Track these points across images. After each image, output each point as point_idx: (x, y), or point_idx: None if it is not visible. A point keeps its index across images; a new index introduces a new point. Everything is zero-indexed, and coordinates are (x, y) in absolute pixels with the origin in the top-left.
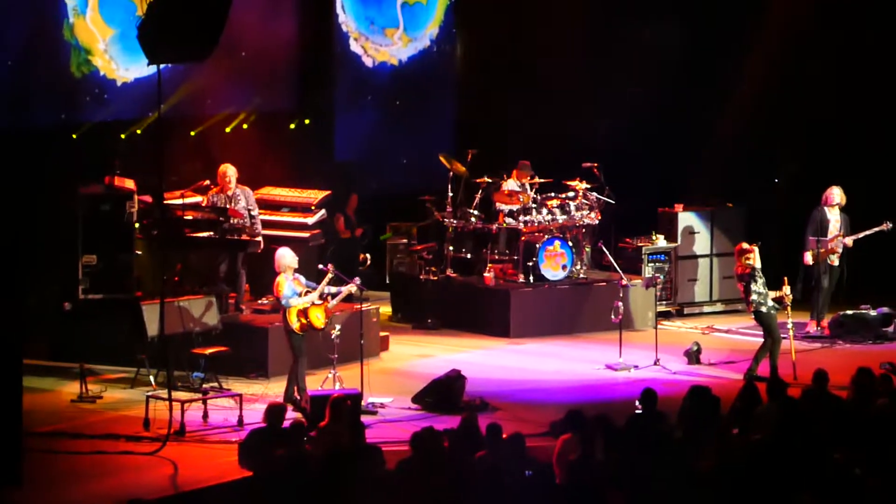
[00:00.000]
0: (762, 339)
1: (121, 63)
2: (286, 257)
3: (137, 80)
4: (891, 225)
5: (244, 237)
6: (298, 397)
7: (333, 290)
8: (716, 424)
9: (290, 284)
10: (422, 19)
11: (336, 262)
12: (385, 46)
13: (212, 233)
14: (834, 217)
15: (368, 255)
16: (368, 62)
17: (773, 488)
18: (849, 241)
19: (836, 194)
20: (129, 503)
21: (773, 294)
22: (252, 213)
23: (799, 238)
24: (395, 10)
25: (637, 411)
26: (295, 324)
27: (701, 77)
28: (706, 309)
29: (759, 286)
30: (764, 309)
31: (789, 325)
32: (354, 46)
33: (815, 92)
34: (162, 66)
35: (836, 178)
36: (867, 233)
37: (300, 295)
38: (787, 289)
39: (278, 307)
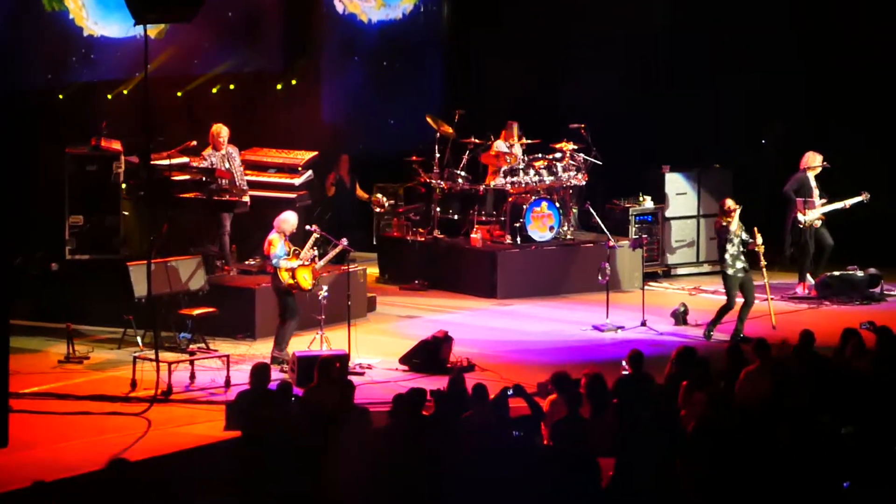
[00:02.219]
0: (744, 300)
1: (91, 14)
2: (289, 221)
3: (123, 40)
4: (868, 196)
5: (232, 198)
6: (278, 356)
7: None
8: (704, 385)
9: (282, 245)
10: None
11: (323, 223)
12: (362, 1)
13: (199, 193)
14: (815, 182)
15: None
16: (339, 8)
17: (761, 449)
18: (822, 209)
19: (817, 158)
20: (111, 462)
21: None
22: (235, 173)
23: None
24: None
25: (624, 372)
26: (288, 281)
27: (688, 39)
28: (693, 270)
29: (732, 248)
30: (730, 271)
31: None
32: (337, 4)
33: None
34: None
35: (818, 142)
36: (846, 203)
37: (288, 255)
38: (759, 238)
39: (265, 267)
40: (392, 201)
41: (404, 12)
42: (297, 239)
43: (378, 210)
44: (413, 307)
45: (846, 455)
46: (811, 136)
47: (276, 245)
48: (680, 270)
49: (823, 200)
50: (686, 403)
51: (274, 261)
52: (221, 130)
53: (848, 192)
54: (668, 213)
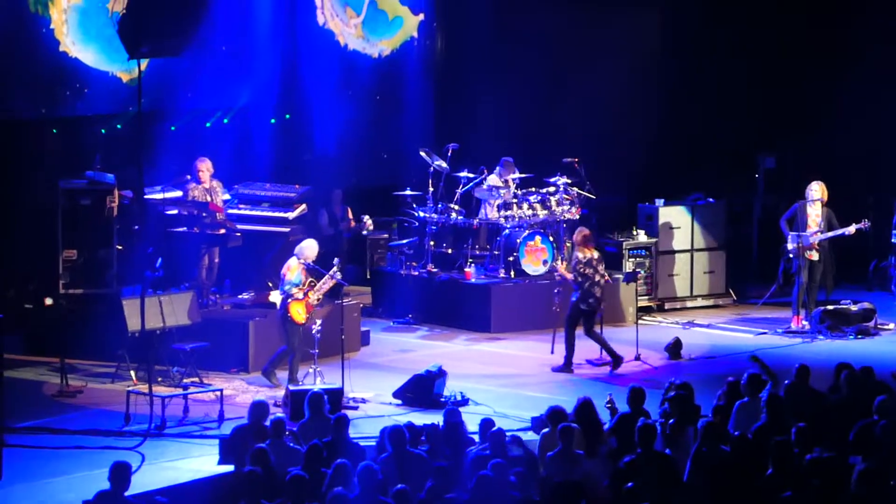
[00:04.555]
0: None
1: (70, 32)
2: (312, 248)
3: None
4: (868, 223)
5: (223, 231)
6: (274, 382)
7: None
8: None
9: (299, 273)
10: (380, 30)
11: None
12: (342, 22)
13: (193, 227)
14: (814, 212)
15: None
16: (320, 20)
17: (757, 483)
18: (815, 239)
19: (815, 190)
20: (96, 496)
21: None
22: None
23: (777, 232)
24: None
25: (618, 408)
26: (297, 316)
27: (678, 73)
28: (687, 304)
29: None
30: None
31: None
32: (319, 16)
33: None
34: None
35: (816, 174)
36: (844, 231)
37: (303, 284)
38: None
39: (258, 301)
40: (386, 235)
41: (381, 54)
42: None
43: (365, 233)
44: (406, 341)
45: (844, 488)
46: (809, 168)
47: (293, 272)
48: (674, 304)
49: (818, 231)
50: (671, 441)
51: (286, 286)
52: (204, 164)
53: (849, 220)
54: (661, 248)
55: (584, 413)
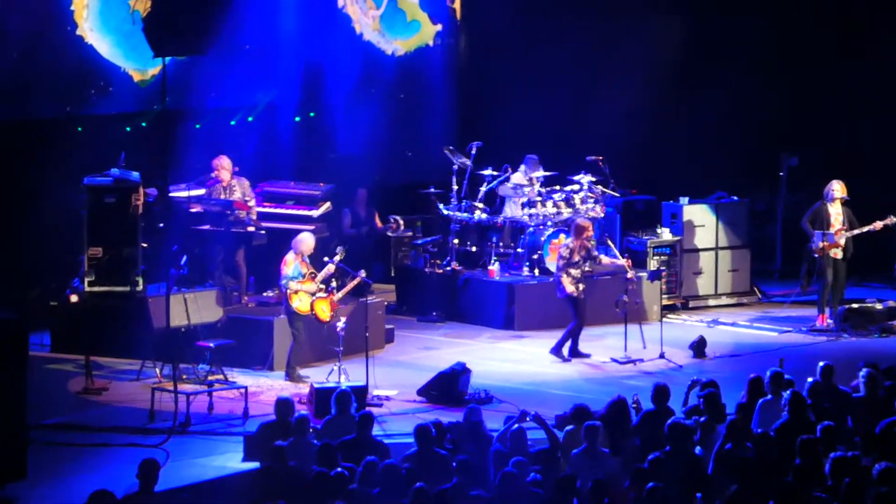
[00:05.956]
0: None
1: (90, 17)
2: (306, 242)
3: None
4: (895, 219)
5: (249, 229)
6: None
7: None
8: (721, 418)
9: (296, 266)
10: (397, 28)
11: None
12: (360, 10)
13: (217, 225)
14: (835, 211)
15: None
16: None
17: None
18: (841, 240)
19: (836, 189)
20: (93, 495)
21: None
22: (248, 203)
23: (799, 231)
24: None
25: (643, 408)
26: (298, 305)
27: (705, 72)
28: (711, 302)
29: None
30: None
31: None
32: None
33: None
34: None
35: (837, 173)
36: (869, 228)
37: (304, 276)
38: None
39: (281, 297)
40: (410, 233)
41: (395, 52)
42: (317, 269)
43: (390, 234)
44: (431, 339)
45: (865, 487)
46: (833, 167)
47: (290, 265)
48: (698, 302)
49: (841, 228)
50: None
51: (283, 280)
52: (223, 162)
53: (873, 218)
54: (685, 246)
55: (615, 411)
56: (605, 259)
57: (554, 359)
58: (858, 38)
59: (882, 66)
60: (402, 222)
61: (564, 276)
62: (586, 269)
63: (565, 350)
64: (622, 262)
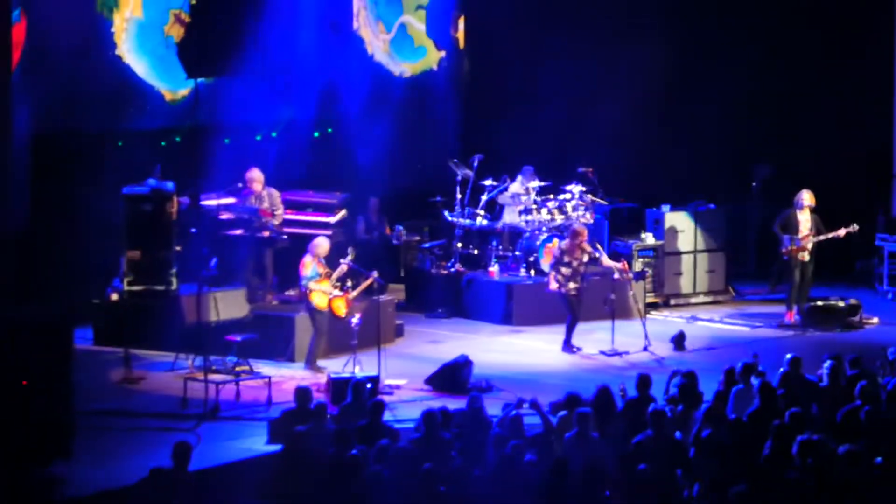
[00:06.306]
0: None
1: (128, 39)
2: (322, 245)
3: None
4: (857, 227)
5: (266, 234)
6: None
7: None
8: (698, 405)
9: (313, 267)
10: (405, 52)
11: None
12: (372, 33)
13: (244, 231)
14: (804, 218)
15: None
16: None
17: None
18: (807, 242)
19: (805, 198)
20: (151, 472)
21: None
22: (276, 212)
23: (771, 236)
24: (395, 20)
25: (628, 395)
26: (317, 302)
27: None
28: (690, 300)
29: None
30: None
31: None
32: (354, 22)
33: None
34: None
35: (806, 183)
36: (833, 234)
37: (320, 276)
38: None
39: (302, 297)
40: (417, 237)
41: (402, 75)
42: (333, 266)
43: (396, 242)
44: (437, 333)
45: (834, 473)
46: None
47: (308, 267)
48: (679, 300)
49: (808, 234)
50: (679, 424)
51: (303, 281)
52: (255, 174)
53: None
54: (667, 249)
55: (601, 398)
56: (606, 261)
57: (566, 355)
58: (836, 62)
59: (852, 87)
60: (404, 233)
61: (553, 273)
62: (583, 270)
63: (573, 344)
64: (619, 265)
